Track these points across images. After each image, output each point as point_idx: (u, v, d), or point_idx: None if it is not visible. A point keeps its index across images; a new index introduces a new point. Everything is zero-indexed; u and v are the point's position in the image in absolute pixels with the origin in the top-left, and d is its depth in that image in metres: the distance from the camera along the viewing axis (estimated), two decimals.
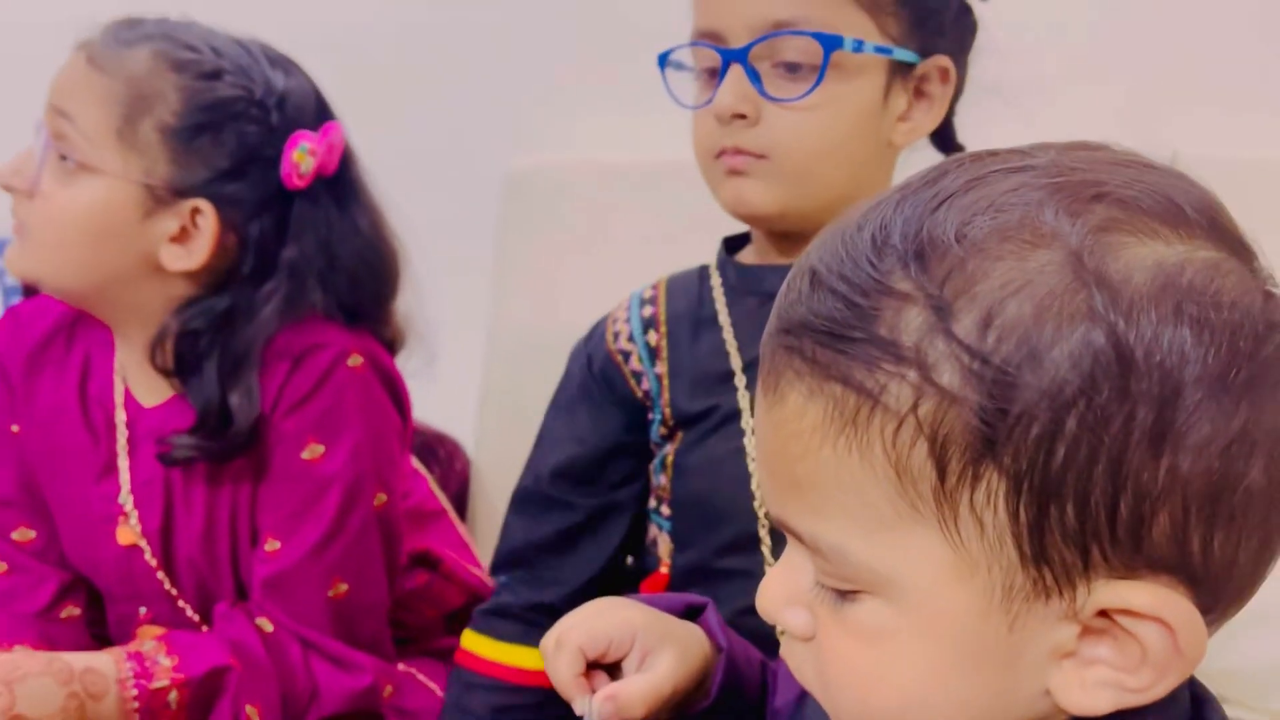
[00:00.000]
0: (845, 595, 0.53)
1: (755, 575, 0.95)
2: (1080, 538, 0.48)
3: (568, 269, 1.84)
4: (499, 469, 1.62)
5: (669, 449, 1.12)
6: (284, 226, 1.19)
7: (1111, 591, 0.49)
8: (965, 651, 0.51)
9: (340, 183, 1.23)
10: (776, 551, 1.02)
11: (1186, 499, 0.48)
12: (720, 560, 1.08)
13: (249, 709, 1.14)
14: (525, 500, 1.20)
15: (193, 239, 1.16)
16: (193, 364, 1.18)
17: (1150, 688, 0.49)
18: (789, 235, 1.08)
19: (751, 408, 1.06)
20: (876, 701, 0.53)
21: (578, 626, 0.76)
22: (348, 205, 1.24)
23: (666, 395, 1.12)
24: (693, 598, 0.83)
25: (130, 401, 1.25)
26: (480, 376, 1.86)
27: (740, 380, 1.08)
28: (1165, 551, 0.48)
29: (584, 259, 1.85)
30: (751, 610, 0.60)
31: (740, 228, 1.15)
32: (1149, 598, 0.48)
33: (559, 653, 0.75)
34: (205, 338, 1.18)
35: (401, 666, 1.31)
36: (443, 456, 1.78)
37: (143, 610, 1.26)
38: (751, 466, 1.06)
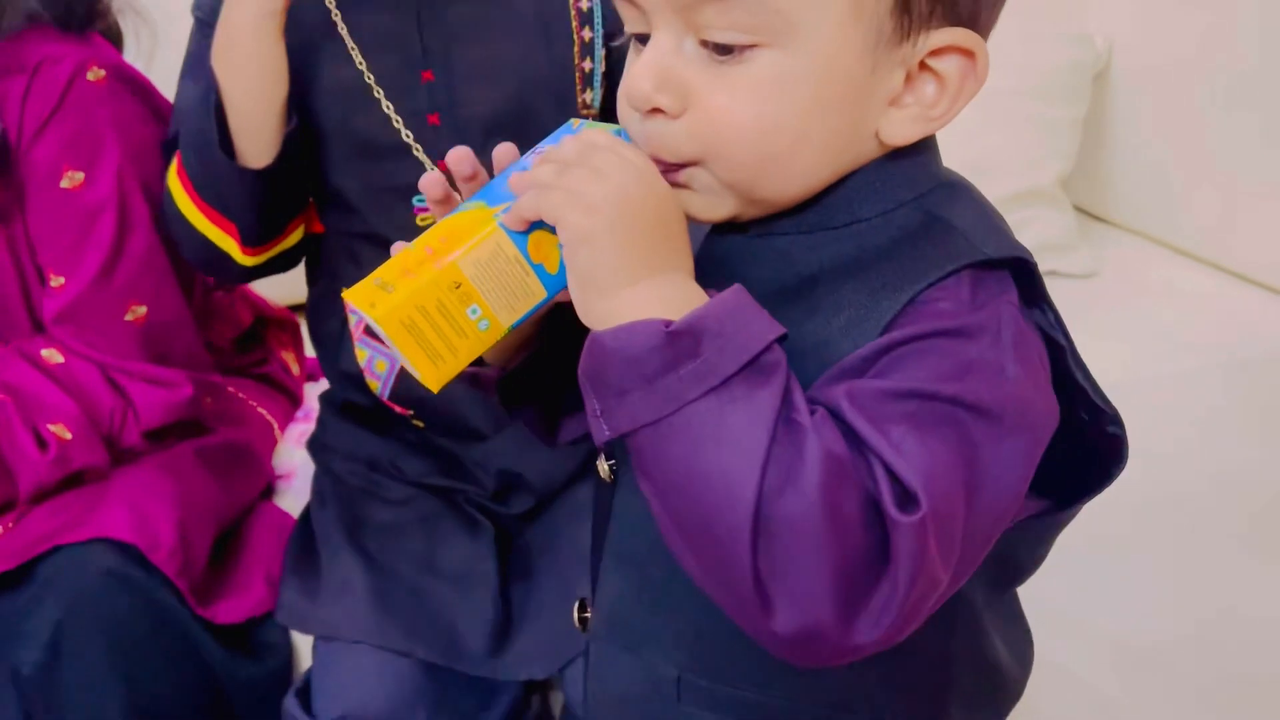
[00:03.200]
0: (740, 51, 0.60)
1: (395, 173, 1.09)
2: None
3: None
4: None
5: None
6: None
7: (941, 35, 0.61)
8: (840, 91, 0.61)
9: None
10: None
11: None
12: (347, 181, 1.14)
13: (56, 427, 1.13)
14: (189, 103, 1.14)
15: None
16: None
17: (945, 113, 0.63)
18: None
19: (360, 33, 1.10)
20: (768, 145, 0.61)
21: None
22: None
23: None
24: None
25: None
26: None
27: (337, 15, 1.11)
28: (968, 9, 0.62)
29: None
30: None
31: None
32: (966, 36, 0.62)
33: None
34: None
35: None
36: None
37: None
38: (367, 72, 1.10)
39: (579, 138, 0.63)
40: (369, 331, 1.16)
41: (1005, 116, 1.89)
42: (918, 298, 0.60)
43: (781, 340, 0.57)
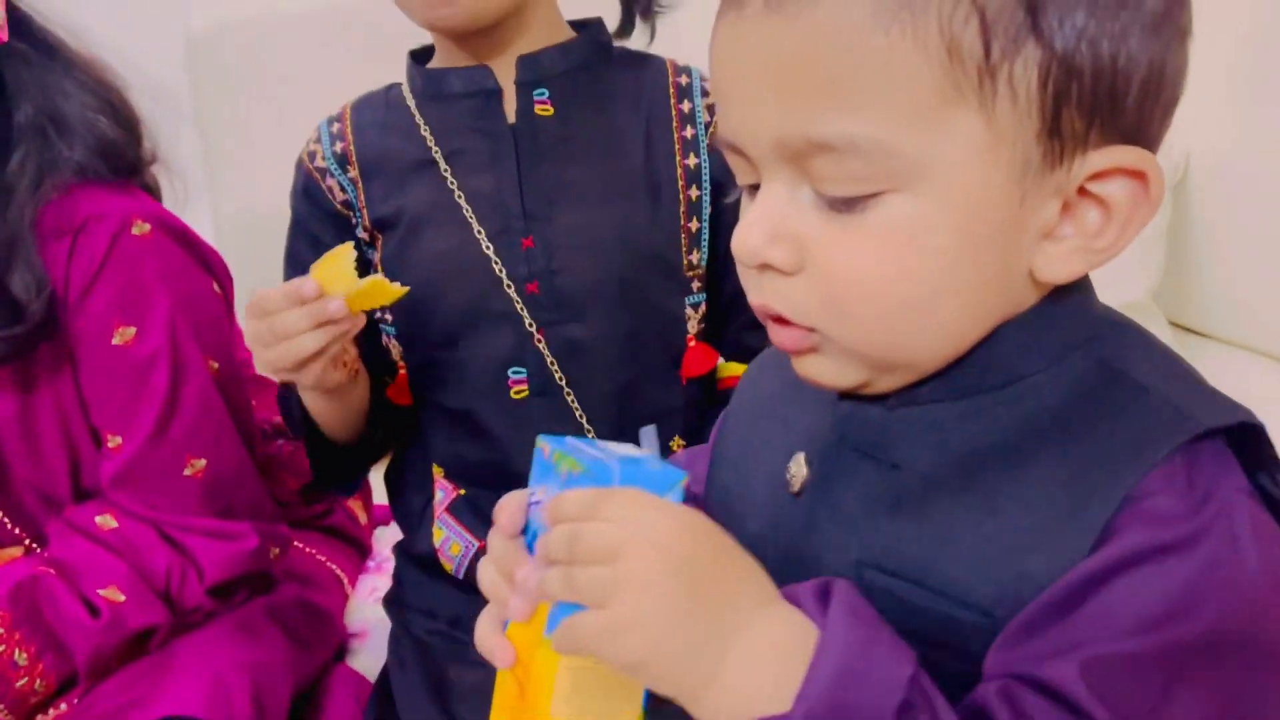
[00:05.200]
0: (861, 201, 0.53)
1: (493, 342, 1.04)
2: (1091, 107, 0.52)
3: (272, 129, 1.73)
4: None
5: (374, 256, 1.10)
6: (2, 92, 1.07)
7: (1102, 155, 0.53)
8: (982, 231, 0.53)
9: (39, 40, 1.11)
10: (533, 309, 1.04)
11: (1151, 76, 0.53)
12: (443, 352, 1.08)
13: (107, 591, 1.06)
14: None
15: None
16: None
17: (1113, 245, 0.54)
18: (475, 37, 1.05)
19: (464, 195, 1.06)
20: (900, 301, 0.54)
21: None
22: (57, 58, 1.12)
23: (362, 198, 1.09)
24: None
25: None
26: None
27: (447, 170, 1.07)
28: (1132, 122, 0.54)
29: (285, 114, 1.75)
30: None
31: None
32: (1133, 155, 0.53)
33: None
34: None
35: None
36: None
37: None
38: (485, 242, 1.05)
39: (557, 528, 0.54)
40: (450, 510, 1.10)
41: None
42: (1134, 492, 0.51)
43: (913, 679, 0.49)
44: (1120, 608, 0.48)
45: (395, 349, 1.11)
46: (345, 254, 0.93)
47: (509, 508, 0.61)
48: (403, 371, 1.12)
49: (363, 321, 0.96)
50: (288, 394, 1.09)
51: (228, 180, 1.87)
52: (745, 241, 0.56)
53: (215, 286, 1.17)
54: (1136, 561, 0.49)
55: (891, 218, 0.53)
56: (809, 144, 0.53)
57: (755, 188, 0.58)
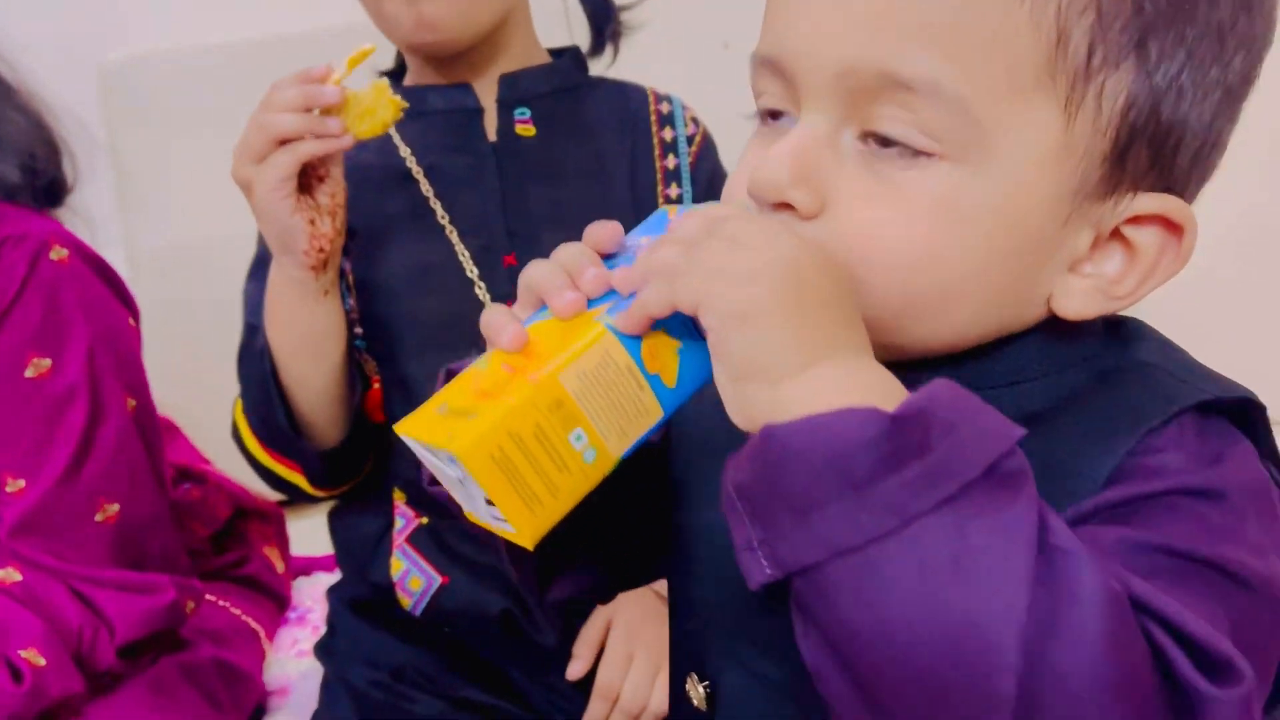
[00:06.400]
0: (911, 159, 0.49)
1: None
2: (1158, 148, 0.51)
3: (189, 162, 1.67)
4: (175, 383, 1.45)
5: (347, 265, 1.05)
6: None
7: (1153, 200, 0.52)
8: (1020, 236, 0.51)
9: None
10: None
11: (1210, 138, 0.53)
12: (413, 366, 1.04)
13: (28, 653, 0.98)
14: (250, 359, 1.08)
15: None
16: None
17: (1133, 293, 0.53)
18: (454, 58, 1.03)
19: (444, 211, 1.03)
20: (916, 274, 0.51)
21: None
22: None
23: None
24: None
25: None
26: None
27: (426, 187, 1.04)
28: (1180, 178, 0.53)
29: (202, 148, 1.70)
30: None
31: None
32: (1177, 206, 0.52)
33: None
34: None
35: None
36: None
37: None
38: (466, 258, 1.02)
39: (698, 213, 0.51)
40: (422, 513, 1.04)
41: None
42: (1138, 447, 0.49)
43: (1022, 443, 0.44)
44: (1127, 523, 0.47)
45: (369, 363, 1.07)
46: (382, 87, 0.92)
47: (605, 231, 0.56)
48: (377, 387, 1.07)
49: (349, 143, 0.92)
50: (251, 338, 1.03)
51: (143, 215, 1.80)
52: (770, 175, 0.52)
53: (131, 320, 1.11)
54: (1139, 499, 0.47)
55: (936, 187, 0.50)
56: (885, 79, 0.49)
57: (774, 116, 0.54)
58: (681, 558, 0.65)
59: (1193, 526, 0.47)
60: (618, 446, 0.52)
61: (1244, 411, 0.52)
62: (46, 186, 1.08)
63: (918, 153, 0.50)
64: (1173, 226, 0.52)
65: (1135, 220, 0.52)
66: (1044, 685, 0.39)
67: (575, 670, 1.04)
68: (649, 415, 0.52)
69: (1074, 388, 0.54)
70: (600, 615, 1.07)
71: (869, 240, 0.51)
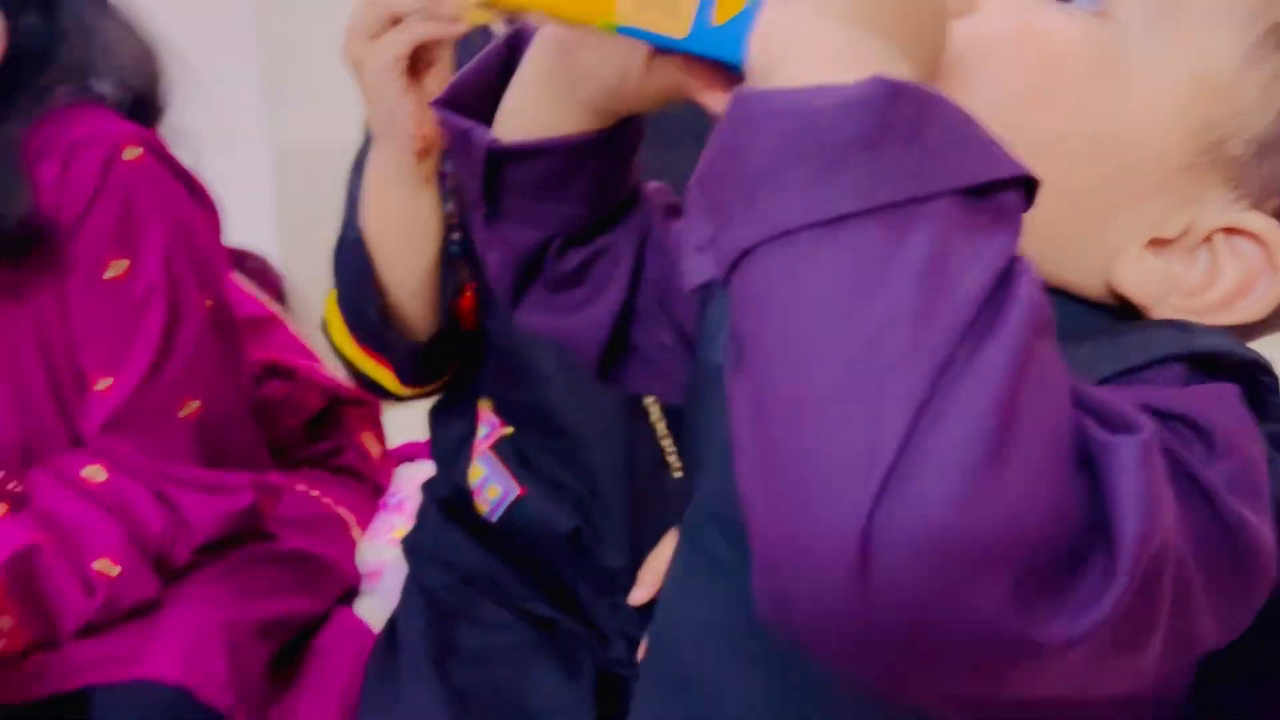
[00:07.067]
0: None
1: None
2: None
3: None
4: (309, 278, 1.48)
5: (449, 169, 1.02)
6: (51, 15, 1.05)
7: (1258, 219, 0.47)
8: (1130, 144, 0.46)
9: None
10: None
11: None
12: None
13: (101, 564, 1.02)
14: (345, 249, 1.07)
15: None
16: None
17: (1210, 309, 0.47)
18: None
19: None
20: (1027, 92, 0.46)
21: None
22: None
23: None
24: None
25: None
26: (269, 189, 1.72)
27: None
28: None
29: None
30: None
31: None
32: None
33: None
34: None
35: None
36: (253, 269, 1.61)
37: None
38: None
39: None
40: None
41: None
42: (1114, 379, 0.44)
43: (1030, 191, 0.37)
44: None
45: (464, 270, 1.06)
46: None
47: None
48: (469, 294, 1.06)
49: (462, 28, 0.91)
50: (349, 229, 1.04)
51: (286, 115, 1.84)
52: None
53: (206, 218, 1.11)
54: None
55: (1089, 36, 0.46)
56: None
57: None
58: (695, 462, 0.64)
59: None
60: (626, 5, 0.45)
61: (1251, 379, 0.45)
62: (135, 103, 1.08)
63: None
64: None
65: (1232, 232, 0.46)
66: (936, 428, 0.32)
67: (639, 596, 1.02)
68: (676, 20, 0.45)
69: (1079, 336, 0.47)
70: (668, 543, 1.04)
71: (1002, 40, 0.46)
